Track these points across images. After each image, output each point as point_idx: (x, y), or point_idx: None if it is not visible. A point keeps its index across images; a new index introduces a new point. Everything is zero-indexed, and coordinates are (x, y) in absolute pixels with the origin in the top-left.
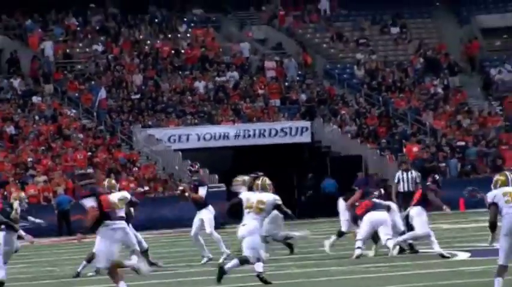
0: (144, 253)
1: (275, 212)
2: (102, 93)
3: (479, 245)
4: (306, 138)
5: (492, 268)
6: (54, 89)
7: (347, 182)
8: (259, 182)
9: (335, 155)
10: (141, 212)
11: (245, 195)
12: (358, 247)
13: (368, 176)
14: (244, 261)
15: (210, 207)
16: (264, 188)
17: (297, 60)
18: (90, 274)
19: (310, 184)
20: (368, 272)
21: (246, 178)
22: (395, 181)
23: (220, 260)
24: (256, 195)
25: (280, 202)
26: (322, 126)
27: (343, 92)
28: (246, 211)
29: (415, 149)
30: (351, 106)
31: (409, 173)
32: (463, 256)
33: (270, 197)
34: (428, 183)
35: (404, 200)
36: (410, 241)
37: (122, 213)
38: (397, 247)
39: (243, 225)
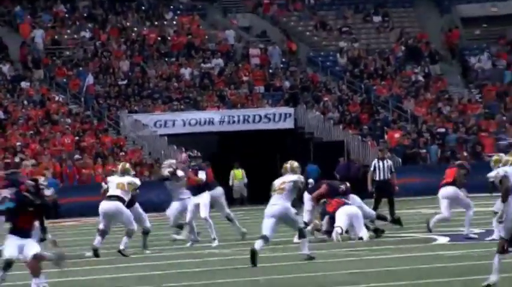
0: (145, 234)
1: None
2: (90, 79)
3: (459, 230)
4: (289, 124)
5: (471, 252)
6: (43, 74)
7: (329, 167)
8: (288, 165)
9: (318, 140)
10: None
11: (274, 183)
12: (336, 232)
13: (350, 162)
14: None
15: (206, 193)
16: (293, 171)
17: (281, 48)
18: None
19: None
20: (348, 256)
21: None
22: (372, 169)
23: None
24: (281, 178)
25: (300, 184)
26: (306, 112)
27: (326, 79)
28: (272, 194)
29: (396, 135)
30: (334, 93)
31: (385, 161)
32: (442, 240)
33: (292, 177)
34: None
35: (378, 188)
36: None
37: (126, 196)
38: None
39: (273, 205)
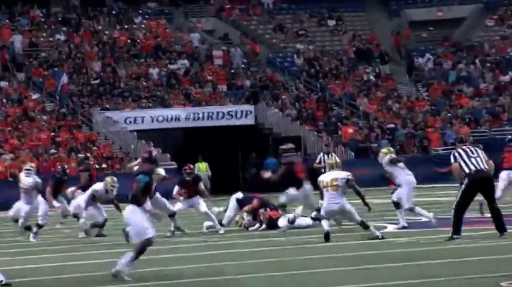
0: (171, 216)
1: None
2: (64, 78)
3: (407, 218)
4: (250, 120)
5: (419, 239)
6: (21, 74)
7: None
8: (333, 161)
9: (276, 136)
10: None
11: (320, 178)
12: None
13: (307, 155)
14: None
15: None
16: (338, 167)
17: (242, 50)
18: None
19: (253, 162)
20: (305, 243)
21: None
22: (317, 161)
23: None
24: (330, 174)
25: (351, 177)
26: (265, 109)
27: (284, 78)
28: (324, 190)
29: (350, 130)
30: (291, 92)
31: (330, 155)
32: (391, 228)
33: (342, 174)
34: None
35: None
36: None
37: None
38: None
39: (331, 203)
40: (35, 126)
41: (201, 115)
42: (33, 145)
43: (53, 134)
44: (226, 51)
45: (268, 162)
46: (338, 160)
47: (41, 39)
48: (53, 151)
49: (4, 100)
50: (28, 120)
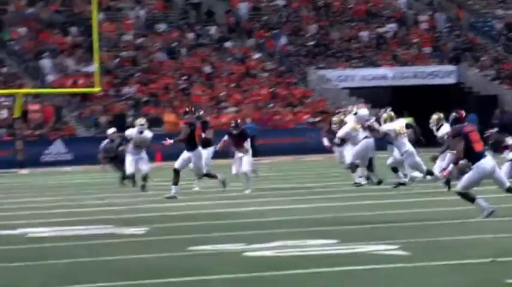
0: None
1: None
2: (283, 40)
3: None
4: (452, 80)
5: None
6: (245, 36)
7: (485, 117)
8: (386, 115)
9: (476, 94)
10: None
11: (393, 126)
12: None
13: (504, 113)
14: (429, 173)
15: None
16: (394, 119)
17: (447, 15)
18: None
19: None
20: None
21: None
22: None
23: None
24: (396, 123)
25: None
26: (466, 70)
27: (484, 41)
28: (400, 137)
29: None
30: (491, 54)
31: None
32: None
33: (404, 122)
34: None
35: None
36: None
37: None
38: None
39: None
40: (255, 83)
41: (407, 75)
42: (254, 100)
43: (271, 90)
44: (431, 16)
45: (470, 118)
46: (392, 113)
47: (263, 4)
48: (271, 105)
49: (229, 59)
50: (250, 78)
